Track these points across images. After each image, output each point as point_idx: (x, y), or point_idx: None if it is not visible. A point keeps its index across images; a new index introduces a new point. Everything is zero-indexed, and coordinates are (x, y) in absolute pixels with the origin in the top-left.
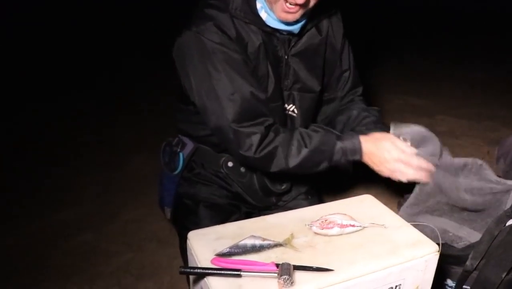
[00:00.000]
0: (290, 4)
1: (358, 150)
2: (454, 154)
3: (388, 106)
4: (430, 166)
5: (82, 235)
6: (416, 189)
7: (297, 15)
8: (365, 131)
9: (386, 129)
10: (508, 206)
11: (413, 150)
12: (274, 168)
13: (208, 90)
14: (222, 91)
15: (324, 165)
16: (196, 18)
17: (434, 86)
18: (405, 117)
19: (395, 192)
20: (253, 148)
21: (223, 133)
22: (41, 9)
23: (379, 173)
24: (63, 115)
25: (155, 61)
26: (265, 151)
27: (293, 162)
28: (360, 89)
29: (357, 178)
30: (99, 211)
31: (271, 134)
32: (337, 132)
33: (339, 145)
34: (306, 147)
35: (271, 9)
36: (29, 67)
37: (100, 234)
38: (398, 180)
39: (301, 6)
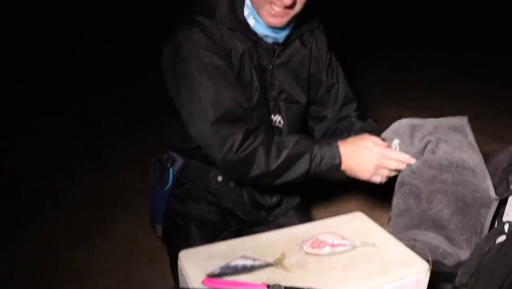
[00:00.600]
0: (278, 7)
1: (337, 154)
2: None
3: (380, 120)
4: (410, 159)
5: (73, 252)
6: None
7: (284, 20)
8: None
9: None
10: (487, 221)
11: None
12: (254, 171)
13: (192, 94)
14: (205, 94)
15: (303, 169)
16: (182, 23)
17: (428, 100)
18: None
19: (386, 208)
20: (234, 149)
21: (205, 136)
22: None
23: (359, 177)
24: (52, 131)
25: (145, 77)
26: (246, 152)
27: (274, 164)
28: (354, 105)
29: (348, 193)
30: (90, 228)
31: (251, 138)
32: (315, 139)
33: (317, 149)
34: (286, 148)
35: (259, 14)
36: (17, 82)
37: (91, 250)
38: (379, 182)
39: (288, 9)
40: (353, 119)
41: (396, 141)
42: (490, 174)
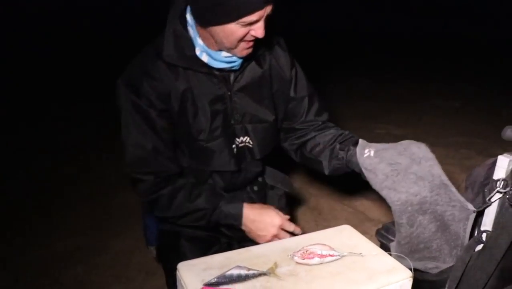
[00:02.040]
0: (251, 41)
1: (239, 216)
2: None
3: (369, 136)
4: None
5: (72, 268)
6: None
7: (253, 46)
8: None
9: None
10: (466, 233)
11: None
12: (157, 213)
13: (123, 133)
14: (129, 139)
15: (202, 222)
16: (130, 68)
17: (414, 115)
18: None
19: (374, 221)
20: (141, 192)
21: (129, 174)
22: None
23: (255, 239)
24: (49, 147)
25: None
26: (151, 197)
27: (173, 213)
28: (326, 115)
29: (336, 208)
30: (88, 244)
31: (162, 184)
32: (225, 195)
33: (222, 206)
34: (189, 202)
35: (229, 53)
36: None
37: (89, 266)
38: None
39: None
40: (328, 125)
41: (371, 150)
42: (469, 187)
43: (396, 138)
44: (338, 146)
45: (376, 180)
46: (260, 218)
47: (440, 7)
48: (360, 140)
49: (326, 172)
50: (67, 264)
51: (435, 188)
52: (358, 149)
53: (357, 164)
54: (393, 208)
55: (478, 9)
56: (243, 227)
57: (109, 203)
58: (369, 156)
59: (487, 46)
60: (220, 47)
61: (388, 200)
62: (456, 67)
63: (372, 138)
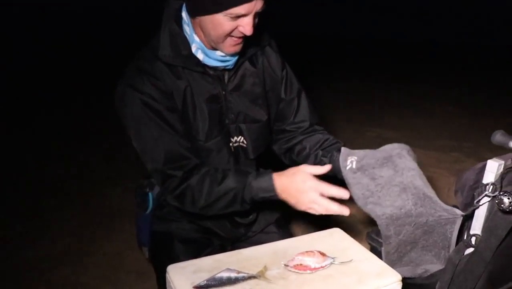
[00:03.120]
0: (239, 37)
1: (272, 187)
2: None
3: (360, 139)
4: (345, 195)
5: (62, 270)
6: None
7: (241, 45)
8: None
9: None
10: (453, 236)
11: (326, 168)
12: (188, 207)
13: (137, 137)
14: (146, 139)
15: (237, 204)
16: (128, 71)
17: (406, 119)
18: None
19: (364, 224)
20: (170, 188)
21: (152, 174)
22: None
23: (296, 207)
24: (38, 148)
25: None
26: (179, 190)
27: (204, 201)
28: (315, 117)
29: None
30: (77, 245)
31: (187, 178)
32: (251, 171)
33: (252, 182)
34: (217, 185)
35: (216, 47)
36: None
37: (79, 267)
38: (317, 213)
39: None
40: (316, 129)
41: (353, 161)
42: (459, 191)
43: (387, 141)
44: (321, 152)
45: (360, 195)
46: (291, 185)
47: (432, 11)
48: (343, 149)
49: None
50: (55, 265)
51: (419, 200)
52: (340, 158)
53: (340, 171)
54: (379, 222)
55: (471, 15)
56: (280, 197)
57: (98, 204)
58: (351, 167)
59: (478, 51)
60: (209, 41)
61: (373, 215)
62: (447, 71)
63: (364, 142)
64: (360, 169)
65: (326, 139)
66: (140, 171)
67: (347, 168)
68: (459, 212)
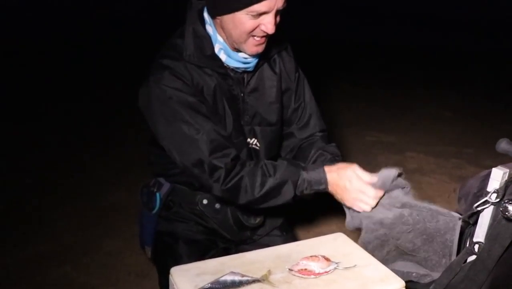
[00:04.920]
0: (261, 37)
1: (324, 180)
2: (422, 191)
3: (359, 144)
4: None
5: (61, 268)
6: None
7: (264, 45)
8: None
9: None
10: (454, 244)
11: (374, 179)
12: (242, 199)
13: (171, 131)
14: (189, 132)
15: (289, 195)
16: (153, 69)
17: (406, 124)
18: (375, 155)
19: None
20: (221, 180)
21: (194, 169)
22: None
23: (343, 202)
24: (40, 146)
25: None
26: (232, 183)
27: (259, 192)
28: (319, 124)
29: (329, 215)
30: (78, 244)
31: (238, 167)
32: (302, 164)
33: (304, 175)
34: (271, 176)
35: (239, 48)
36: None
37: (79, 267)
38: (362, 210)
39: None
40: (317, 137)
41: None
42: (462, 198)
43: (386, 146)
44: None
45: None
46: (339, 181)
47: (434, 18)
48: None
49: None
50: (55, 264)
51: (414, 210)
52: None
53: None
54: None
55: (473, 21)
56: (330, 191)
57: (99, 203)
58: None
59: (478, 56)
60: (231, 42)
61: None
62: (447, 76)
63: (363, 146)
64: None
65: (321, 155)
66: (142, 170)
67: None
68: (456, 214)
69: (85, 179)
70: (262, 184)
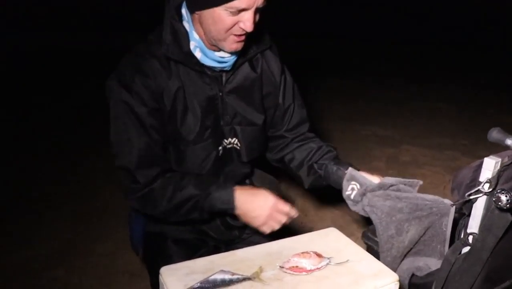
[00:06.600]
0: (240, 34)
1: (231, 200)
2: None
3: (355, 137)
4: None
5: (54, 270)
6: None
7: (243, 43)
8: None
9: (346, 165)
10: (448, 229)
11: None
12: (152, 211)
13: (113, 133)
14: (120, 138)
15: (195, 214)
16: (121, 64)
17: (400, 117)
18: (370, 148)
19: (360, 223)
20: (136, 190)
21: (122, 171)
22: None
23: (250, 222)
24: (32, 147)
25: None
26: (143, 193)
27: (166, 205)
28: (307, 125)
29: (323, 210)
30: (70, 246)
31: (151, 181)
32: (217, 181)
33: (213, 193)
34: (180, 191)
35: (217, 45)
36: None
37: (72, 269)
38: (267, 232)
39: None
40: (312, 135)
41: (354, 185)
42: (455, 189)
43: (381, 140)
44: (316, 165)
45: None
46: (252, 198)
47: (428, 11)
48: (348, 171)
49: (306, 186)
50: (48, 266)
51: (408, 200)
52: (344, 183)
53: (335, 182)
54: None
55: (466, 13)
56: (237, 211)
57: (92, 205)
58: (352, 197)
59: (472, 49)
60: (209, 38)
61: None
62: (442, 69)
63: (358, 140)
64: (359, 202)
65: (319, 148)
66: None
67: (349, 195)
68: (448, 201)
69: (77, 181)
70: (170, 199)
